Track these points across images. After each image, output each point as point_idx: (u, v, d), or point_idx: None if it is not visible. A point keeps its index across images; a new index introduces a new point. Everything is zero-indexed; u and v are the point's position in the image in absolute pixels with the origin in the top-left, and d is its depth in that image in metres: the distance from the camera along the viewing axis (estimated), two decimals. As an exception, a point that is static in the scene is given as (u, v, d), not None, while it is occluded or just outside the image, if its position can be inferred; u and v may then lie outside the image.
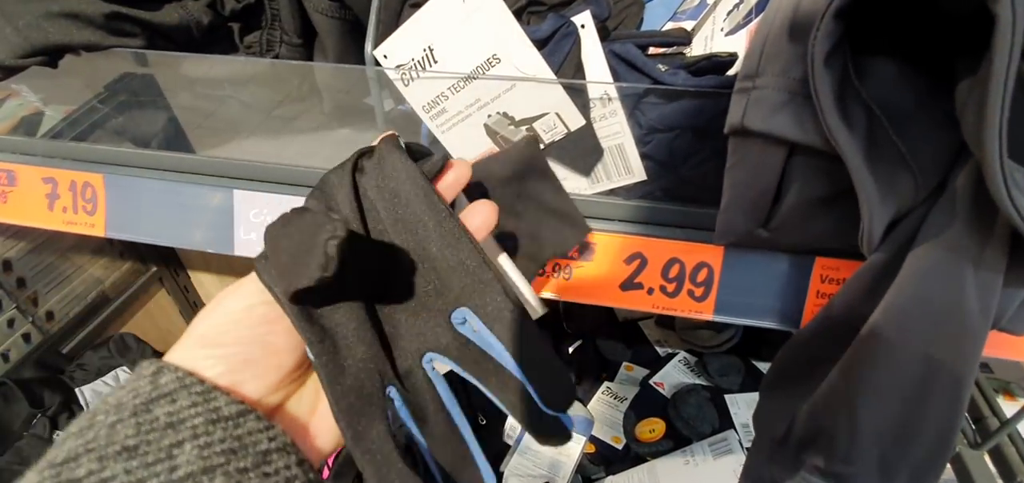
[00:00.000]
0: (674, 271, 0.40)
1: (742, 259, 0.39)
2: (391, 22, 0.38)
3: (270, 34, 0.49)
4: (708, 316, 0.41)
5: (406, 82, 0.38)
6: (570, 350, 0.93)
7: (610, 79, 0.36)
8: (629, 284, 0.41)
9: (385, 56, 0.38)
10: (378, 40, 0.38)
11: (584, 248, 0.41)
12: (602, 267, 0.41)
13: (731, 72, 0.34)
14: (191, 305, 1.24)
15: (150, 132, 0.53)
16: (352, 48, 0.42)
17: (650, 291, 0.41)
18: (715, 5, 0.38)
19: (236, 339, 0.23)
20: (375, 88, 0.40)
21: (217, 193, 0.47)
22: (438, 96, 0.38)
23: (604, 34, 0.37)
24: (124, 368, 0.99)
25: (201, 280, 1.26)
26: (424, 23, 0.36)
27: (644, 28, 0.41)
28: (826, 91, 0.26)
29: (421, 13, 0.35)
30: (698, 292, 0.40)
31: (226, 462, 0.19)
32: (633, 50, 0.35)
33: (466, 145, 0.41)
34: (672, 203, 0.39)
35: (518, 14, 0.43)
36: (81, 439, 0.19)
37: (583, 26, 0.35)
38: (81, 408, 0.94)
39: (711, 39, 0.38)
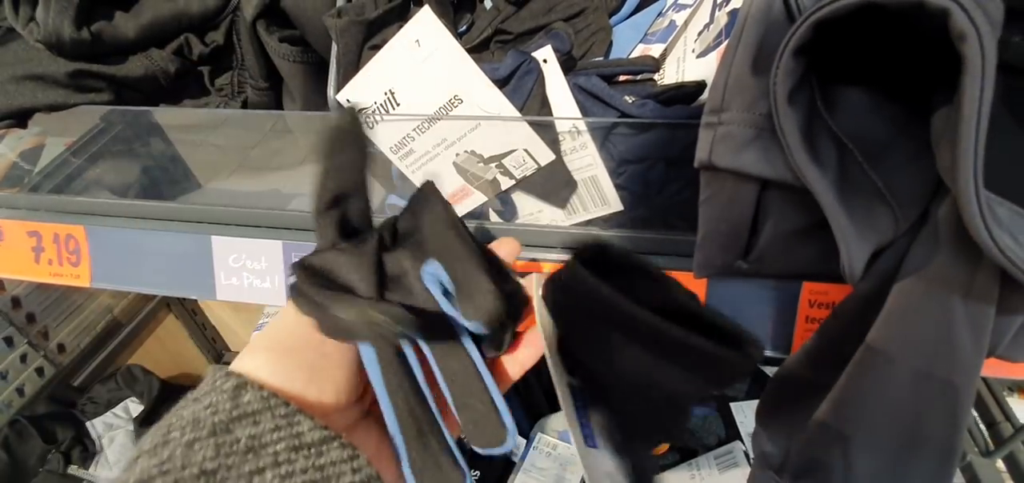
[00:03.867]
0: (657, 300, 0.39)
1: (727, 286, 0.37)
2: (352, 66, 0.37)
3: (240, 75, 0.48)
4: (694, 346, 0.39)
5: (371, 125, 0.38)
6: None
7: (577, 113, 0.34)
8: (612, 315, 0.40)
9: (348, 101, 0.37)
10: (340, 84, 0.37)
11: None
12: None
13: (701, 100, 0.33)
14: (200, 326, 1.25)
15: (130, 180, 0.53)
16: (319, 89, 0.41)
17: (634, 321, 0.40)
18: (685, 26, 0.36)
19: (305, 345, 0.22)
20: (340, 132, 0.39)
21: (195, 240, 0.46)
22: (404, 137, 0.37)
23: (570, 64, 0.36)
24: (133, 399, 1.00)
25: (209, 302, 1.28)
26: (382, 68, 0.35)
27: (614, 53, 0.39)
28: (792, 129, 0.24)
29: (377, 58, 0.34)
30: (682, 321, 0.39)
31: None
32: (598, 83, 0.33)
33: (437, 183, 0.40)
34: (651, 231, 0.38)
35: (485, 44, 0.41)
36: (155, 458, 0.17)
37: (545, 61, 0.34)
38: (92, 442, 0.96)
39: (683, 60, 0.36)
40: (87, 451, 0.95)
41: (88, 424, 0.97)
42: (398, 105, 0.36)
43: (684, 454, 0.71)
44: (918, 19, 0.21)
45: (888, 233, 0.27)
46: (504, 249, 0.28)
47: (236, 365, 0.21)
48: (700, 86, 0.32)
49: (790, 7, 0.26)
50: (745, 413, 0.72)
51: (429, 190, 0.27)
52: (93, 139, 0.54)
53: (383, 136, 0.38)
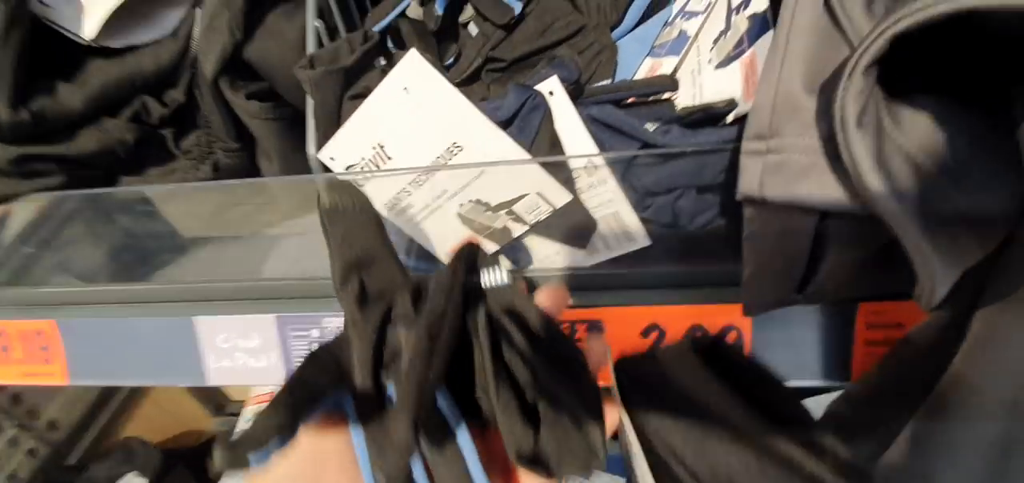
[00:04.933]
0: (696, 337, 0.35)
1: (773, 316, 0.34)
2: (332, 120, 0.33)
3: (208, 135, 0.44)
4: (741, 382, 0.36)
5: (360, 183, 0.33)
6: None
7: (592, 147, 0.31)
8: (647, 358, 0.36)
9: (332, 158, 0.33)
10: (321, 142, 0.33)
11: (592, 328, 0.36)
12: (615, 344, 0.36)
13: (730, 119, 0.29)
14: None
15: (100, 264, 0.48)
16: (297, 144, 0.36)
17: (671, 361, 0.36)
18: (697, 35, 0.33)
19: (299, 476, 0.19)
20: (324, 193, 0.35)
21: (176, 323, 0.42)
22: (399, 193, 0.33)
23: (578, 90, 0.32)
24: (135, 473, 0.95)
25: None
26: (368, 120, 0.31)
27: (619, 69, 0.35)
28: (864, 155, 0.21)
29: (362, 111, 0.30)
30: (726, 357, 0.35)
31: None
32: (614, 112, 0.29)
33: (442, 236, 0.36)
34: (685, 264, 0.34)
35: (476, 75, 0.37)
36: None
37: (552, 93, 0.30)
38: (93, 529, 0.91)
39: (699, 73, 0.32)
40: (88, 541, 0.90)
41: (86, 509, 0.92)
42: (389, 158, 0.32)
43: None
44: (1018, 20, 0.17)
45: (975, 257, 0.23)
46: (549, 300, 0.24)
47: None
48: (729, 104, 0.29)
49: (835, 14, 0.23)
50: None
51: (452, 259, 0.23)
52: (52, 222, 0.49)
53: (375, 193, 0.34)
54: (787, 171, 0.23)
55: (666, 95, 0.32)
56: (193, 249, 0.48)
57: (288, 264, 0.44)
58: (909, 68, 0.23)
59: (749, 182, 0.25)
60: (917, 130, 0.22)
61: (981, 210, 0.22)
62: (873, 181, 0.21)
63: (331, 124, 0.33)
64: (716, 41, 0.32)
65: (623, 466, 0.76)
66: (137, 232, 0.47)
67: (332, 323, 0.39)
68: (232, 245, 0.47)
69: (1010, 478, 0.26)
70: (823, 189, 0.23)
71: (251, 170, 0.42)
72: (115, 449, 0.95)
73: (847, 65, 0.19)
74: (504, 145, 0.30)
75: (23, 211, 0.49)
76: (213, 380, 0.43)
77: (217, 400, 1.23)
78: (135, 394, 1.13)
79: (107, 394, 1.07)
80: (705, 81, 0.32)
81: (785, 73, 0.23)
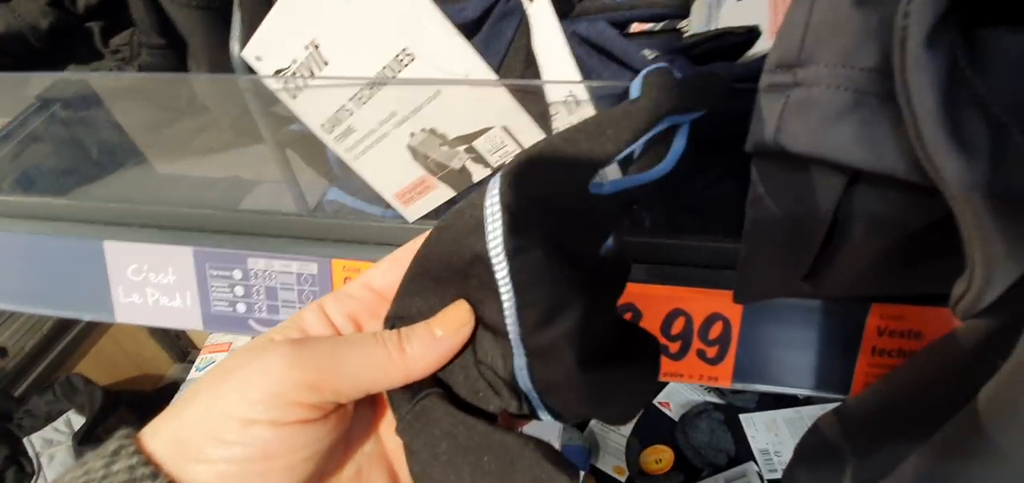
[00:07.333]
0: (678, 326, 0.30)
1: (768, 308, 0.29)
2: (260, 10, 0.27)
3: (141, 34, 0.37)
4: (725, 384, 0.30)
5: (292, 93, 0.28)
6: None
7: (576, 74, 0.25)
8: (619, 343, 0.31)
9: (258, 58, 0.27)
10: (245, 36, 0.27)
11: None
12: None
13: (752, 53, 0.23)
14: (158, 324, 1.15)
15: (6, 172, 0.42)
16: (227, 45, 0.30)
17: (647, 351, 0.31)
18: (721, -44, 0.27)
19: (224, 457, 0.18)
20: (253, 103, 0.29)
21: (84, 246, 0.36)
22: (339, 109, 0.27)
23: (567, 8, 0.26)
24: (74, 411, 0.90)
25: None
26: (300, 10, 0.25)
27: (624, -6, 0.29)
28: (928, 93, 0.15)
29: (292, -5, 0.24)
30: (711, 352, 0.30)
31: None
32: (607, 30, 0.23)
33: (387, 173, 0.30)
34: (671, 237, 0.29)
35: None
36: None
37: (532, 1, 0.24)
38: (30, 461, 0.86)
39: (718, 7, 0.27)
40: (24, 471, 0.85)
41: (25, 441, 0.87)
42: (326, 64, 0.26)
43: (690, 473, 0.63)
44: None
45: (1053, 252, 0.18)
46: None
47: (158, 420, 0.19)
48: (750, 33, 0.23)
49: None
50: (756, 426, 0.64)
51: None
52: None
53: (310, 107, 0.28)
54: (816, 111, 0.18)
55: (674, 25, 0.26)
56: (117, 169, 0.42)
57: (217, 195, 0.38)
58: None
59: (765, 126, 0.19)
60: (1000, 74, 0.17)
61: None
62: (937, 133, 0.16)
63: (260, 15, 0.27)
64: (739, -32, 0.26)
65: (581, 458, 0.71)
66: (56, 140, 0.42)
67: (257, 264, 0.33)
68: (160, 167, 0.41)
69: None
70: (862, 139, 0.17)
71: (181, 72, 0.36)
72: (57, 384, 0.90)
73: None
74: (466, 58, 0.24)
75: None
76: (121, 316, 0.37)
77: (181, 346, 1.18)
78: (91, 330, 1.08)
79: (62, 327, 1.03)
80: (723, 15, 0.27)
81: (829, -22, 0.17)
